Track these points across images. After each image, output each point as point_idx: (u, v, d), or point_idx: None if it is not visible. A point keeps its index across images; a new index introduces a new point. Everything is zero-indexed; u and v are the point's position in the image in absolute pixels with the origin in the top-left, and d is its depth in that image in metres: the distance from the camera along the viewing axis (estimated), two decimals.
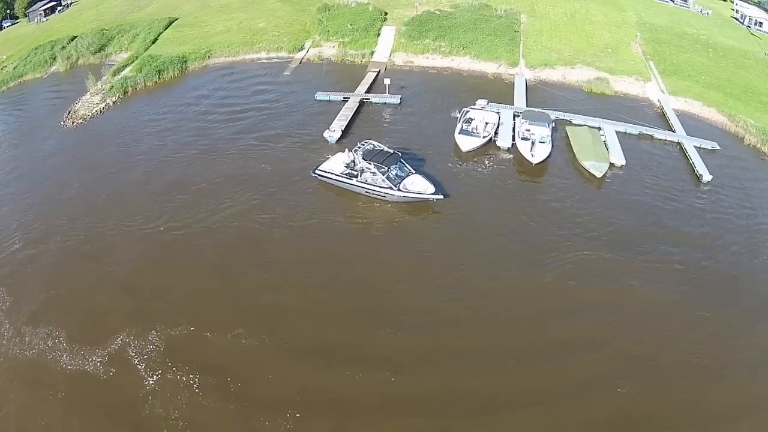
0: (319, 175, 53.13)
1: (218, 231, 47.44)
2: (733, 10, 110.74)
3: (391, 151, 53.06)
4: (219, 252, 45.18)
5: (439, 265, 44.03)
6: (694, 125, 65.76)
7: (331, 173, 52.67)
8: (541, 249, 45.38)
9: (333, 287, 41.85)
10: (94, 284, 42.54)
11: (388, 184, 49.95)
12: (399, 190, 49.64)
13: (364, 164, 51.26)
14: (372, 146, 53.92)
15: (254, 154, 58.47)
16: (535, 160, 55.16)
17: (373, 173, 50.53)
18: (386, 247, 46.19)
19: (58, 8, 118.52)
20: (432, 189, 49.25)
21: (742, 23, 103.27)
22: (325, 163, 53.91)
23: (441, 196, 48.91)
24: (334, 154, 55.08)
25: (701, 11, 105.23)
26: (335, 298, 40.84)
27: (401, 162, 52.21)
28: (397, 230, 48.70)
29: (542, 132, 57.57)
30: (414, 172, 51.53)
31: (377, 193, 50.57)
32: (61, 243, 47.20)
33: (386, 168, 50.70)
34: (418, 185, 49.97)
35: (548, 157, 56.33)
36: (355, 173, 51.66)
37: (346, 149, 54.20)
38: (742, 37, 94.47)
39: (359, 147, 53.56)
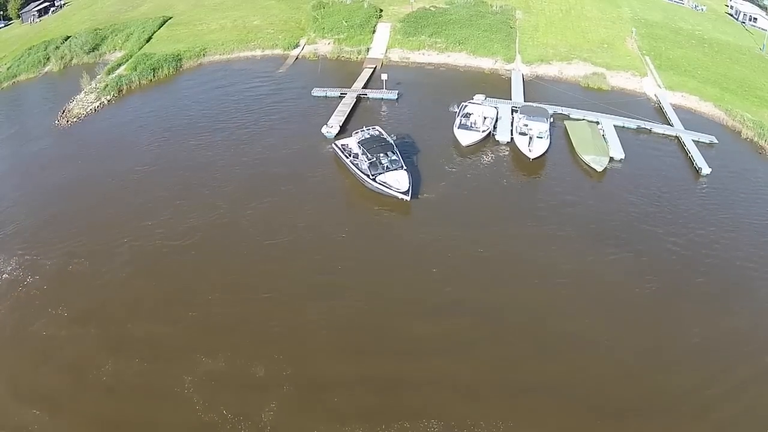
0: (334, 146, 56.28)
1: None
2: (728, 6, 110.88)
3: (390, 142, 53.81)
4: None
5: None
6: (691, 119, 65.86)
7: (338, 148, 55.29)
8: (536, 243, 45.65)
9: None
10: None
11: (367, 172, 50.65)
12: (374, 181, 50.09)
13: (353, 147, 53.47)
14: (378, 132, 55.36)
15: (250, 150, 58.23)
16: (532, 155, 54.93)
17: (362, 158, 51.87)
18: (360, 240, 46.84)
19: (52, 9, 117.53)
20: (404, 188, 48.86)
21: (737, 19, 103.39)
22: (344, 139, 56.55)
23: (407, 198, 48.55)
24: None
25: (696, 7, 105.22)
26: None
27: (396, 155, 52.42)
28: (380, 221, 49.52)
29: (540, 127, 57.37)
30: (404, 168, 51.22)
31: (359, 177, 51.66)
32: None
33: (373, 156, 51.30)
34: (393, 180, 49.67)
35: (546, 152, 56.17)
36: (347, 154, 54.06)
37: (358, 130, 55.79)
38: (737, 33, 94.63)
39: (363, 130, 55.40)
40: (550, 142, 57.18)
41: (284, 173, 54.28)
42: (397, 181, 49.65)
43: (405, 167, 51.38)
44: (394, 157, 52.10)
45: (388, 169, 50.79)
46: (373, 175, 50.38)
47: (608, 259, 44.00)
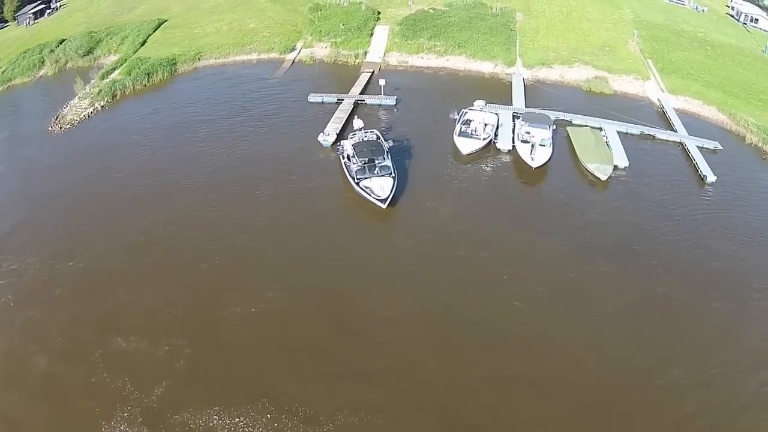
0: (338, 147, 55.74)
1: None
2: (728, 6, 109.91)
3: (383, 148, 52.74)
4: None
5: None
6: (694, 124, 64.79)
7: (338, 149, 55.50)
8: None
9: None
10: None
11: (354, 175, 50.45)
12: (358, 185, 49.83)
13: (348, 149, 53.03)
14: (375, 136, 54.42)
15: (244, 159, 57.01)
16: (535, 164, 53.68)
17: (354, 161, 51.46)
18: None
19: (47, 11, 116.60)
20: (383, 196, 48.32)
21: (738, 20, 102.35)
22: (344, 140, 55.76)
23: (384, 206, 47.98)
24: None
25: (697, 8, 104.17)
26: None
27: (387, 161, 51.57)
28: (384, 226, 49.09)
29: (543, 134, 55.98)
30: (392, 175, 50.37)
31: (349, 180, 51.41)
32: None
33: (363, 160, 50.74)
34: (377, 187, 49.10)
35: (549, 160, 54.87)
36: (341, 155, 54.47)
37: (357, 131, 55.28)
38: (739, 35, 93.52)
39: (363, 133, 54.59)
40: (553, 150, 55.92)
41: (274, 183, 53.17)
42: (381, 188, 49.01)
43: (393, 174, 50.50)
44: (384, 163, 51.21)
45: (375, 175, 50.16)
46: (357, 180, 50.07)
47: (609, 274, 42.70)
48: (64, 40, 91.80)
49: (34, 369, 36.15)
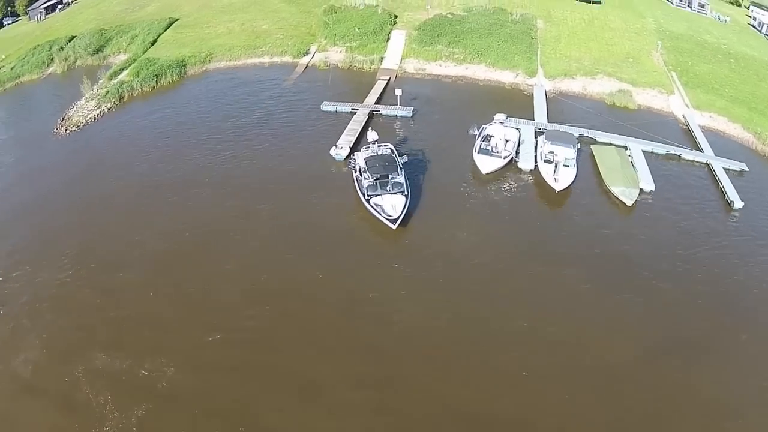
0: (352, 159, 54.01)
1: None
2: (749, 16, 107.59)
3: (396, 164, 50.69)
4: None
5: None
6: (719, 143, 62.44)
7: (350, 162, 53.70)
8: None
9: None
10: None
11: (364, 191, 48.35)
12: (368, 202, 47.81)
13: (360, 162, 50.85)
14: (389, 151, 52.66)
15: (252, 170, 55.00)
16: (558, 187, 51.10)
17: (365, 175, 49.64)
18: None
19: (59, 6, 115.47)
20: (394, 215, 46.12)
21: (760, 30, 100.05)
22: (357, 152, 53.79)
23: (394, 227, 45.69)
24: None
25: (719, 18, 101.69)
26: None
27: (401, 177, 49.40)
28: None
29: (566, 154, 53.35)
30: (405, 193, 48.16)
31: (360, 195, 49.43)
32: None
33: (375, 176, 48.75)
34: (388, 205, 47.08)
35: (573, 182, 52.24)
36: (354, 167, 52.44)
37: (370, 144, 53.25)
38: (762, 46, 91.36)
39: (377, 146, 52.64)
40: (577, 170, 53.36)
41: (280, 198, 51.09)
42: (393, 206, 46.87)
43: (406, 192, 48.26)
44: (397, 180, 48.91)
45: (388, 192, 48.02)
46: (368, 196, 47.95)
47: (632, 313, 40.09)
48: (74, 37, 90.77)
49: (15, 381, 35.50)
